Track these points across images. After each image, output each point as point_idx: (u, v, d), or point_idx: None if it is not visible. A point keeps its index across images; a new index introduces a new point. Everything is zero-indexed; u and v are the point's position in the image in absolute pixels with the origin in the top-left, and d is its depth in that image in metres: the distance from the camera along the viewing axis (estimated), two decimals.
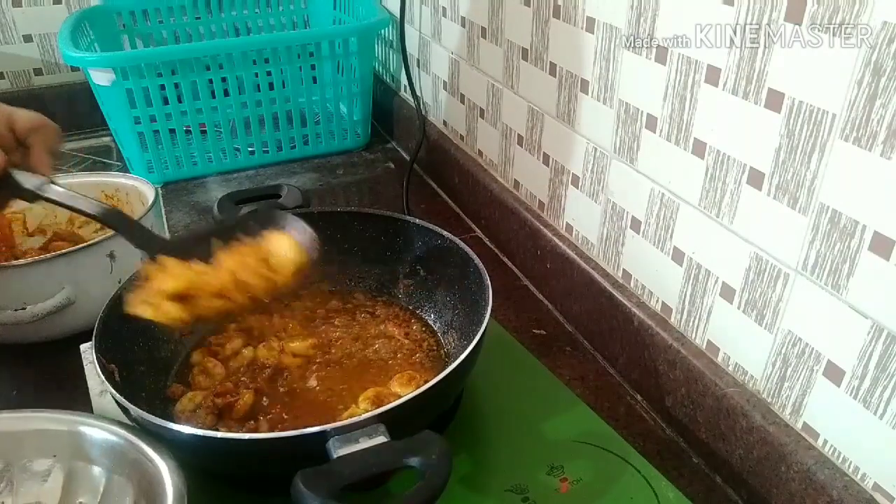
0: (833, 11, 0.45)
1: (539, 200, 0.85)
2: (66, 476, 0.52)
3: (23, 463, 0.52)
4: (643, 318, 0.67)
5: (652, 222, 0.66)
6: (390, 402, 0.49)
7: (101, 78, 1.00)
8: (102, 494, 0.51)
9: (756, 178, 0.54)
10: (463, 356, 0.52)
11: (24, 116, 0.58)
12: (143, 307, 0.53)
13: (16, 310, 0.68)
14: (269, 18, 1.34)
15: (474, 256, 0.64)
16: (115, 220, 0.59)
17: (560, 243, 0.79)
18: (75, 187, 0.83)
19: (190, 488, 0.46)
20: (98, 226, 0.85)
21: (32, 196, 0.57)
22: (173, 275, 0.54)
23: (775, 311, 0.54)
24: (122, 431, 0.50)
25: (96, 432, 0.51)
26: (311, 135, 1.17)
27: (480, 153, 0.98)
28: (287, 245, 0.57)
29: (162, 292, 0.53)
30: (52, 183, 0.58)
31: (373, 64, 1.20)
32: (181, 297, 0.53)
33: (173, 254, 0.56)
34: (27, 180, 0.57)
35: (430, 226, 0.69)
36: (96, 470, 0.51)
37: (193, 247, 0.58)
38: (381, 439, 0.46)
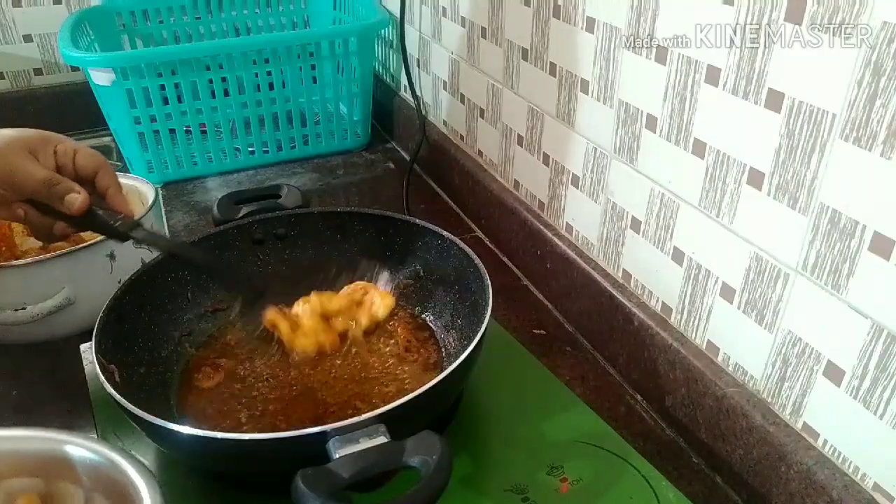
0: (833, 11, 0.45)
1: (539, 200, 0.85)
2: (46, 495, 0.51)
3: (2, 482, 0.51)
4: (643, 318, 0.67)
5: (652, 222, 0.66)
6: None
7: (101, 78, 1.00)
8: None
9: (756, 178, 0.54)
10: (463, 356, 0.52)
11: (87, 154, 0.59)
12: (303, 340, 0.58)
13: (16, 310, 0.68)
14: (269, 18, 1.34)
15: (474, 256, 0.64)
16: (214, 265, 0.62)
17: (560, 243, 0.79)
18: None
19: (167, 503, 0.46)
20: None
21: (120, 235, 0.60)
22: (311, 313, 0.59)
23: (775, 311, 0.54)
24: (104, 450, 0.49)
25: (77, 451, 0.50)
26: (311, 135, 1.17)
27: (480, 153, 0.98)
28: (383, 295, 0.62)
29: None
30: (139, 224, 0.60)
31: (373, 64, 1.21)
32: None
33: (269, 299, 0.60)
34: (113, 218, 0.60)
35: (430, 226, 0.69)
36: (76, 489, 0.51)
37: (283, 287, 0.62)
38: (382, 439, 0.46)
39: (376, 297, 0.61)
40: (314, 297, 0.59)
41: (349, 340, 0.60)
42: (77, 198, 0.57)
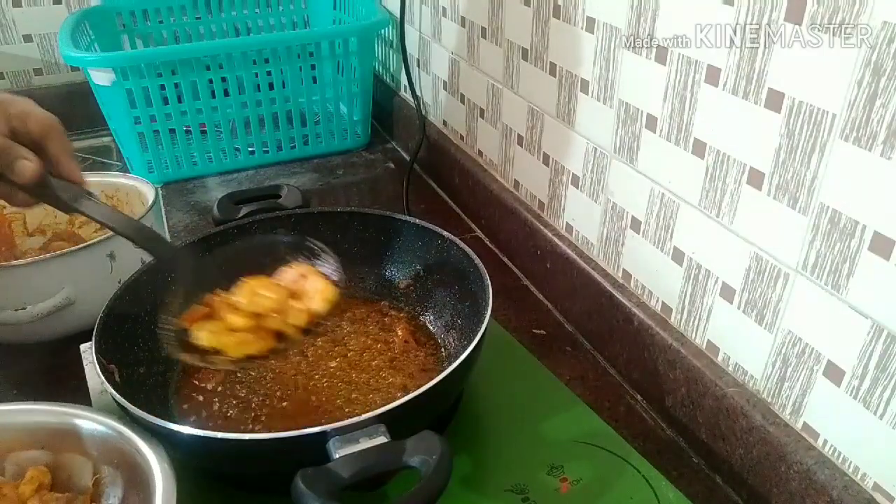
0: (833, 11, 0.45)
1: (539, 200, 0.85)
2: (55, 467, 0.52)
3: (11, 455, 0.52)
4: (643, 318, 0.67)
5: (652, 222, 0.66)
6: None
7: (101, 78, 1.00)
8: (92, 485, 0.51)
9: (756, 178, 0.54)
10: (463, 356, 0.52)
11: (38, 118, 0.55)
12: (210, 338, 0.53)
13: (16, 310, 0.68)
14: (269, 18, 1.34)
15: (474, 256, 0.64)
16: (155, 246, 0.57)
17: (560, 243, 0.79)
18: None
19: (179, 477, 0.46)
20: (98, 226, 0.85)
21: (68, 208, 0.56)
22: (242, 312, 0.54)
23: (775, 311, 0.54)
24: (111, 422, 0.50)
25: (85, 423, 0.51)
26: (311, 135, 1.17)
27: (480, 153, 0.98)
28: (323, 285, 0.56)
29: (229, 326, 0.53)
30: (89, 195, 0.57)
31: (373, 64, 1.21)
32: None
33: (212, 283, 0.56)
34: (63, 189, 0.56)
35: (430, 226, 0.69)
36: (85, 461, 0.51)
37: (222, 270, 0.58)
38: (382, 439, 0.46)
39: (316, 286, 0.54)
40: (247, 290, 0.54)
41: (286, 341, 0.54)
42: (28, 166, 0.53)
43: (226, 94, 1.07)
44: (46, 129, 0.55)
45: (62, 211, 0.57)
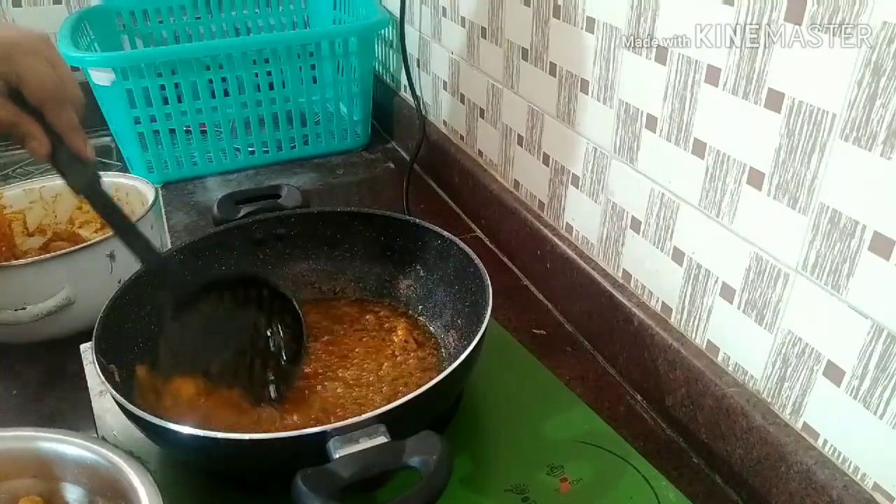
0: (833, 11, 0.45)
1: (539, 200, 0.85)
2: (48, 496, 0.51)
3: (2, 484, 0.51)
4: (643, 318, 0.67)
5: (652, 222, 0.66)
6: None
7: (101, 78, 1.00)
8: None
9: (756, 178, 0.54)
10: (463, 356, 0.52)
11: (35, 86, 0.50)
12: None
13: (16, 310, 0.68)
14: (269, 18, 1.34)
15: (474, 256, 0.64)
16: (144, 254, 0.57)
17: (560, 243, 0.79)
18: None
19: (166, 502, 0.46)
20: (98, 226, 0.85)
21: (79, 189, 0.54)
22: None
23: (775, 311, 0.54)
24: (105, 452, 0.49)
25: (78, 451, 0.50)
26: (311, 135, 1.17)
27: (480, 153, 0.98)
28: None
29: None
30: (96, 178, 0.54)
31: (373, 64, 1.21)
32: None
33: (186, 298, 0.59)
34: (72, 171, 0.53)
35: (430, 226, 0.69)
36: (78, 491, 0.51)
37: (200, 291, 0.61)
38: (382, 439, 0.46)
39: None
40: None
41: None
42: (35, 147, 0.51)
43: (226, 94, 1.07)
44: (44, 100, 0.50)
45: (73, 192, 0.54)
